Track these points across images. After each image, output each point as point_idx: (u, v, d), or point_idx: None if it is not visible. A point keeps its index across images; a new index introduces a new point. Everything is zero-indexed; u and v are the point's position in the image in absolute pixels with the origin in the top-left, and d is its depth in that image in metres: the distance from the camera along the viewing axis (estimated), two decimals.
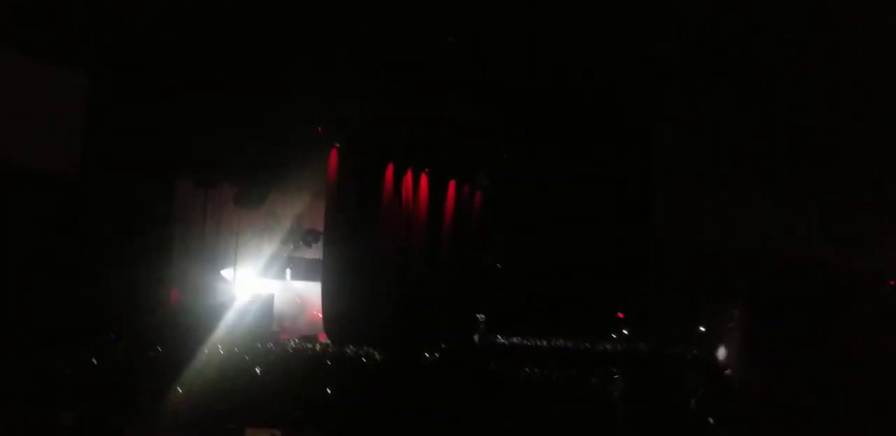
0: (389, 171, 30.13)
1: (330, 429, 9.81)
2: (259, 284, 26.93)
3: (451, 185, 33.34)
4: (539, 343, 32.29)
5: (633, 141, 43.37)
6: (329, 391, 12.99)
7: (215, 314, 23.48)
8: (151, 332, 20.34)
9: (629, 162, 43.12)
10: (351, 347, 23.08)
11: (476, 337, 32.31)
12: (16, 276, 20.05)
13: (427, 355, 22.27)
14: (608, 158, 41.35)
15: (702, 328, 41.52)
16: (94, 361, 14.52)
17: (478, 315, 34.63)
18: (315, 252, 28.55)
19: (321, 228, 28.14)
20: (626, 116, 42.47)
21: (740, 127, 43.58)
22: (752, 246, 43.73)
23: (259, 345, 21.86)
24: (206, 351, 17.74)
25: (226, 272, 25.99)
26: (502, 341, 33.10)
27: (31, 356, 14.94)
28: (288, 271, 28.56)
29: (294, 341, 24.97)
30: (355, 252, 27.84)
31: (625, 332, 37.71)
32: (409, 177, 31.13)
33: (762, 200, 42.74)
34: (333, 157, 27.66)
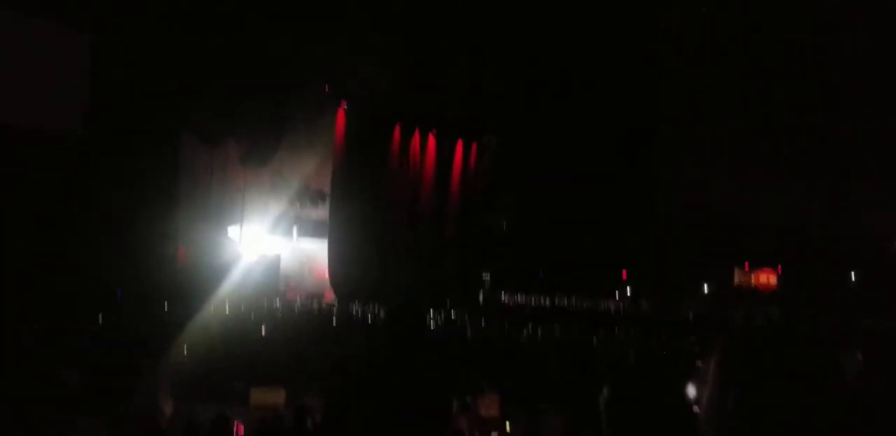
0: (397, 131, 30.06)
1: (335, 389, 9.85)
2: (266, 243, 26.99)
3: (459, 144, 33.20)
4: (543, 302, 32.48)
5: (639, 102, 43.22)
6: (335, 349, 13.10)
7: (221, 273, 23.62)
8: (157, 290, 20.53)
9: (636, 123, 43.01)
10: (357, 305, 23.27)
11: (481, 296, 32.48)
12: (20, 233, 20.22)
13: (432, 314, 22.45)
14: (615, 119, 41.21)
15: (705, 288, 41.77)
16: (100, 320, 14.68)
17: (483, 274, 34.77)
18: (322, 212, 28.56)
19: (328, 188, 28.14)
20: (633, 76, 42.30)
21: (746, 92, 43.38)
22: (755, 207, 43.83)
23: (265, 303, 22.02)
24: (213, 310, 17.85)
25: (232, 231, 26.04)
26: (506, 299, 33.29)
27: (38, 314, 15.11)
28: (294, 231, 28.61)
29: (300, 300, 25.16)
30: (361, 212, 27.87)
31: (628, 290, 37.91)
32: (416, 137, 31.04)
33: (766, 163, 42.72)
34: (340, 116, 27.59)
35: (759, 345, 1.65)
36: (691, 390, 1.66)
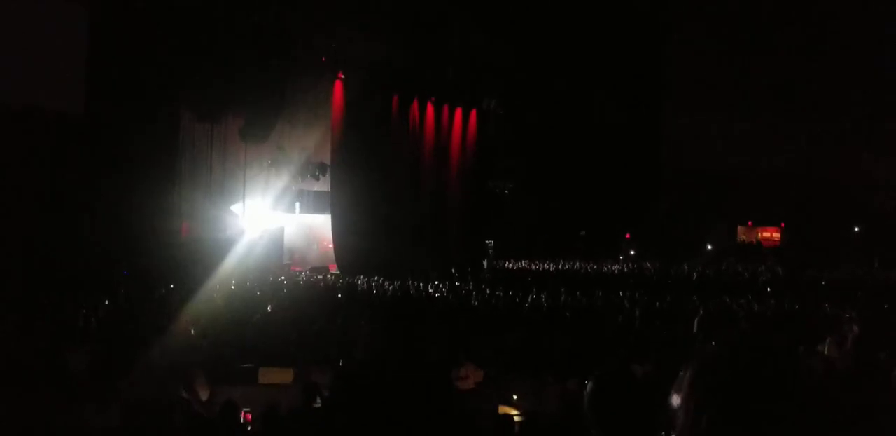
0: (395, 100, 29.96)
1: (343, 366, 9.97)
2: (269, 217, 27.08)
3: (458, 112, 33.10)
4: (547, 267, 32.59)
5: (641, 67, 43.03)
6: (341, 323, 13.22)
7: (225, 248, 23.75)
8: (162, 266, 20.69)
9: (638, 87, 42.85)
10: (361, 277, 23.39)
11: (485, 263, 32.62)
12: (24, 213, 20.38)
13: (437, 284, 22.57)
14: (617, 84, 41.06)
15: (709, 246, 41.91)
16: (106, 300, 14.78)
17: (486, 241, 34.88)
18: (324, 184, 28.60)
19: (329, 161, 28.16)
20: (635, 42, 42.08)
21: (745, 54, 43.09)
22: (756, 168, 43.79)
23: (270, 278, 22.14)
24: (218, 287, 17.95)
25: (235, 206, 26.12)
26: (511, 265, 33.43)
27: (43, 292, 15.24)
28: (297, 204, 28.69)
29: (305, 273, 25.32)
30: (363, 183, 27.92)
31: (632, 252, 38.03)
32: (415, 106, 30.94)
33: (766, 124, 42.57)
34: (338, 87, 27.49)
35: (731, 364, 1.71)
36: (668, 408, 1.73)
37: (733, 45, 43.26)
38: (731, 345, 1.69)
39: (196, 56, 23.16)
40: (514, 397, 9.27)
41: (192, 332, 11.83)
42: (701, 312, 16.02)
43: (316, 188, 28.94)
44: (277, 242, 27.01)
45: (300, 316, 14.02)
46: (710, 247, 41.75)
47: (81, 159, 21.28)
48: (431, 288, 21.57)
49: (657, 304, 17.92)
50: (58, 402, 8.14)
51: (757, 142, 43.81)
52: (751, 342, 1.70)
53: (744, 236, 49.72)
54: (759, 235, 50.03)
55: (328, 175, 28.18)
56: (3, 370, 9.12)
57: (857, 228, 43.19)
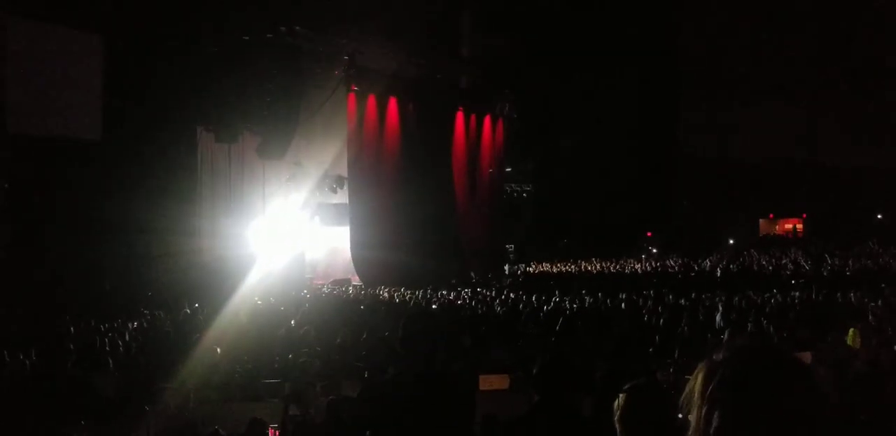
0: (408, 109, 30.07)
1: (369, 378, 10.02)
2: (289, 232, 27.22)
3: (473, 118, 33.16)
4: (568, 269, 32.52)
5: (655, 63, 42.91)
6: (365, 335, 13.30)
7: (248, 264, 23.93)
8: (185, 286, 20.92)
9: (655, 81, 42.73)
10: (383, 288, 23.50)
11: (506, 268, 32.62)
12: (47, 238, 20.67)
13: (459, 291, 22.64)
14: (631, 82, 40.97)
15: (731, 241, 41.69)
16: (132, 324, 14.94)
17: (507, 246, 34.92)
18: (342, 197, 28.73)
19: (346, 173, 28.30)
20: (648, 38, 41.96)
21: (759, 44, 42.88)
22: (775, 159, 43.51)
23: (293, 293, 22.29)
24: (242, 304, 18.08)
25: (255, 222, 26.29)
26: (532, 269, 33.39)
27: (69, 317, 15.43)
28: (317, 218, 28.83)
29: (327, 287, 25.45)
30: (380, 193, 28.04)
31: (654, 250, 37.86)
32: (428, 114, 31.01)
33: (784, 114, 42.32)
34: (352, 100, 27.62)
35: (742, 367, 1.76)
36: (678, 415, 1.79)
37: (749, 36, 43.09)
38: (739, 349, 1.74)
39: (210, 77, 23.43)
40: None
41: (218, 351, 11.93)
42: (720, 308, 16.06)
43: (335, 201, 29.07)
44: (298, 256, 27.16)
45: (324, 330, 14.10)
46: (731, 241, 41.50)
47: (102, 184, 21.54)
48: (453, 295, 21.65)
49: (681, 302, 17.87)
50: (86, 425, 8.27)
51: (775, 133, 43.57)
52: (758, 347, 1.75)
53: (766, 229, 49.47)
54: (782, 227, 49.78)
55: (345, 187, 28.31)
56: (32, 396, 9.29)
57: (879, 216, 42.88)
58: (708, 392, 1.71)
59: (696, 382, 1.75)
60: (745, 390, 1.68)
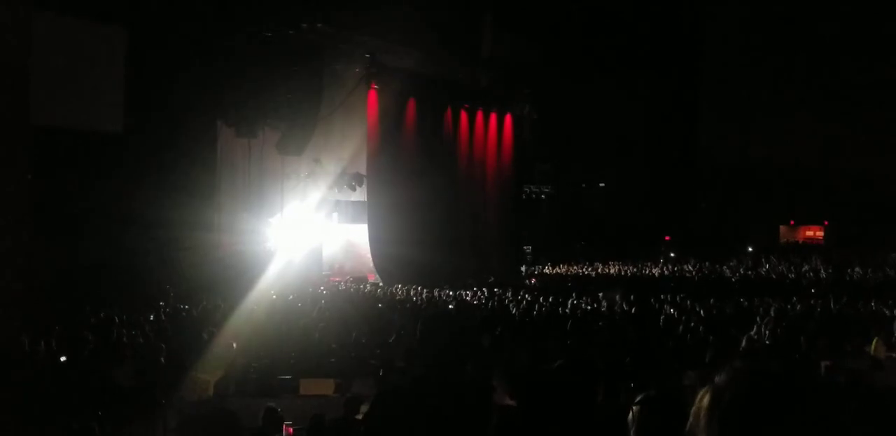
0: (428, 108, 30.05)
1: (384, 377, 9.99)
2: (306, 229, 27.25)
3: (493, 118, 33.09)
4: (586, 271, 32.44)
5: (676, 68, 42.79)
6: (382, 333, 13.29)
7: (265, 260, 23.97)
8: (203, 280, 20.97)
9: (675, 86, 42.60)
10: (400, 286, 23.48)
11: (523, 269, 32.57)
12: (65, 230, 20.72)
13: (476, 291, 22.58)
14: (652, 86, 40.87)
15: (750, 248, 41.46)
16: (150, 316, 14.97)
17: (525, 247, 34.84)
18: (360, 194, 28.73)
19: (365, 171, 28.30)
20: (670, 43, 41.87)
21: (782, 51, 42.64)
22: (795, 166, 43.24)
23: (311, 289, 22.29)
24: (259, 300, 18.08)
25: (273, 218, 26.33)
26: (548, 271, 33.33)
27: (87, 308, 15.47)
28: (335, 215, 28.86)
29: (344, 284, 25.45)
30: (399, 192, 28.01)
31: (672, 255, 37.73)
32: (448, 113, 31.00)
33: (805, 121, 42.04)
34: (372, 98, 27.60)
35: (755, 391, 1.70)
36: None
37: (769, 41, 42.85)
38: (742, 373, 1.68)
39: (232, 72, 23.50)
40: None
41: (234, 346, 11.93)
42: (737, 315, 15.93)
43: (353, 198, 29.07)
44: (316, 252, 27.19)
45: (341, 327, 14.10)
46: (751, 248, 41.23)
47: (121, 177, 21.60)
48: (470, 296, 21.61)
49: (697, 308, 17.74)
50: (104, 417, 8.26)
51: (796, 140, 43.31)
52: (761, 370, 1.69)
53: (786, 236, 49.17)
54: (803, 234, 49.45)
55: (364, 185, 28.31)
56: (51, 387, 9.29)
57: None
58: (713, 418, 1.67)
59: (700, 406, 1.71)
60: (749, 416, 1.63)
